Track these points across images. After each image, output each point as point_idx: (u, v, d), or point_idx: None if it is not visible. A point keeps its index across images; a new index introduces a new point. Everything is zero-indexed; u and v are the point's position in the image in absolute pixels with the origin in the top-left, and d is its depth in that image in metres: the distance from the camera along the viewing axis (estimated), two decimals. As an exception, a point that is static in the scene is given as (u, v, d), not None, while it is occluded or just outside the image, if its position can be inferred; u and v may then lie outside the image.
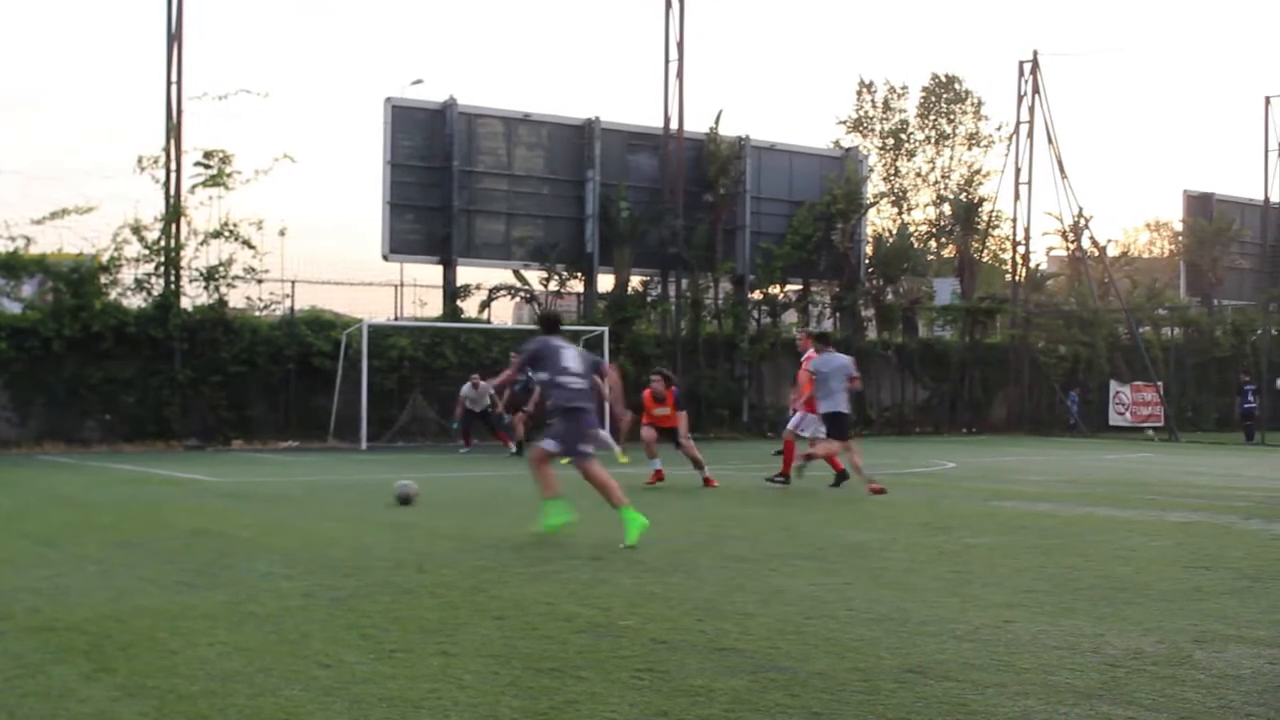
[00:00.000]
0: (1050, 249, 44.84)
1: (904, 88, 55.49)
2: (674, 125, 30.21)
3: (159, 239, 24.47)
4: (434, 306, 30.50)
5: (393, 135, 27.32)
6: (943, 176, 54.97)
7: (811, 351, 15.24)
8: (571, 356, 9.55)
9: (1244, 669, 5.28)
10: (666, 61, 30.30)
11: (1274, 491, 15.22)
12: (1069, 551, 8.98)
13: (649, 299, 30.55)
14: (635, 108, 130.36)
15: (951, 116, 55.50)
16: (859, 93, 55.40)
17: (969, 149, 55.58)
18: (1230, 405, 35.66)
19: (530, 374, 9.59)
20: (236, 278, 25.11)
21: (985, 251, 42.89)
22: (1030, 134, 35.28)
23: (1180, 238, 43.65)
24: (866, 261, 33.77)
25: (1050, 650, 5.58)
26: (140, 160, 24.71)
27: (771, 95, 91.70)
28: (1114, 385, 35.45)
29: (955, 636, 5.87)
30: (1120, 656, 5.47)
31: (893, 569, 8.09)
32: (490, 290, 29.13)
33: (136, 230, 24.29)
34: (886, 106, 55.30)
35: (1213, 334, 38.72)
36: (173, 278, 24.55)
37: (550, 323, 10.10)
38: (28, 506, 12.37)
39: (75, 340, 23.46)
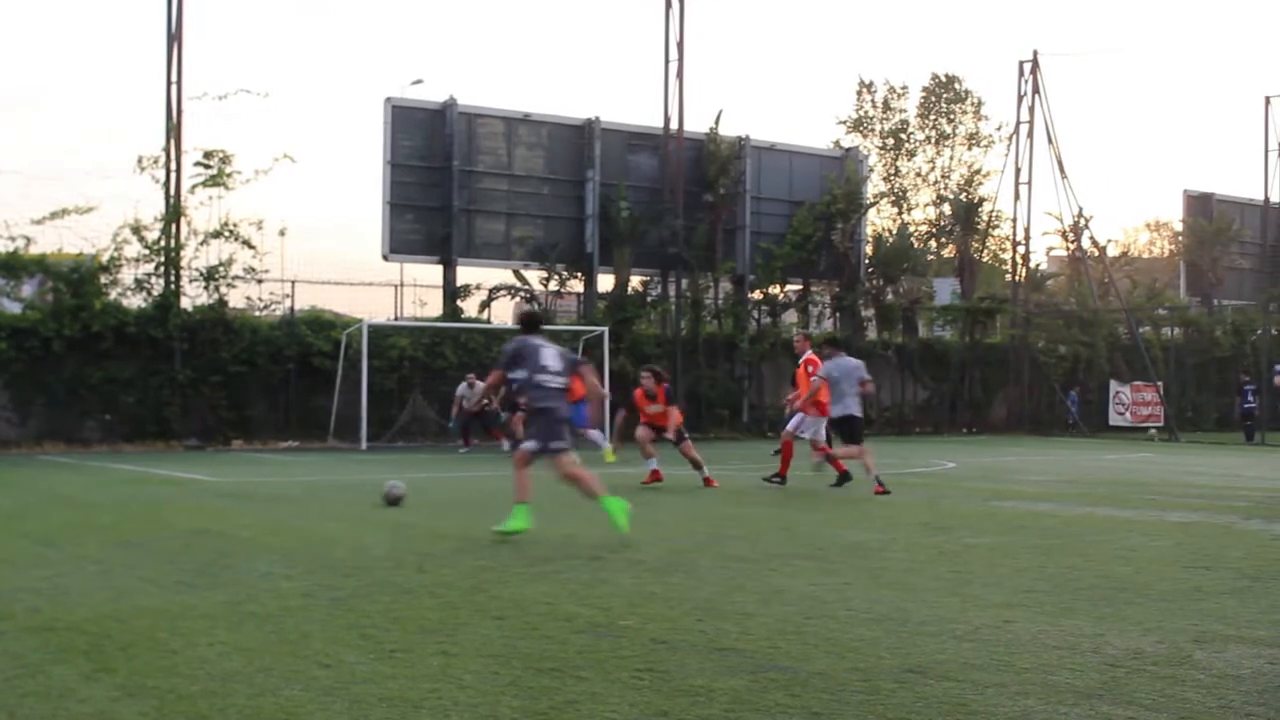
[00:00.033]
0: (1050, 249, 44.92)
1: (904, 88, 55.57)
2: (674, 125, 30.22)
3: (159, 239, 24.48)
4: (434, 306, 30.54)
5: (393, 135, 27.32)
6: (943, 176, 55.02)
7: (810, 354, 15.27)
8: (550, 355, 9.62)
9: (1244, 669, 5.28)
10: (666, 61, 30.32)
11: (1274, 491, 15.21)
12: (1069, 551, 8.98)
13: (649, 299, 30.56)
14: (635, 108, 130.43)
15: (951, 116, 55.52)
16: (859, 93, 55.49)
17: (969, 149, 55.66)
18: (1230, 405, 35.66)
19: (508, 373, 9.63)
20: (236, 278, 25.13)
21: (985, 251, 42.90)
22: (1030, 134, 35.32)
23: (1180, 238, 43.65)
24: (866, 261, 33.78)
25: (1050, 650, 5.58)
26: (140, 160, 24.76)
27: (771, 95, 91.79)
28: (1114, 385, 35.46)
29: (955, 636, 5.87)
30: (1120, 656, 5.47)
31: (893, 569, 8.09)
32: (490, 290, 29.14)
33: (136, 230, 24.30)
34: (886, 106, 55.33)
35: (1213, 334, 38.73)
36: (173, 278, 24.56)
37: (529, 322, 10.15)
38: (28, 506, 12.36)
39: (75, 340, 23.46)
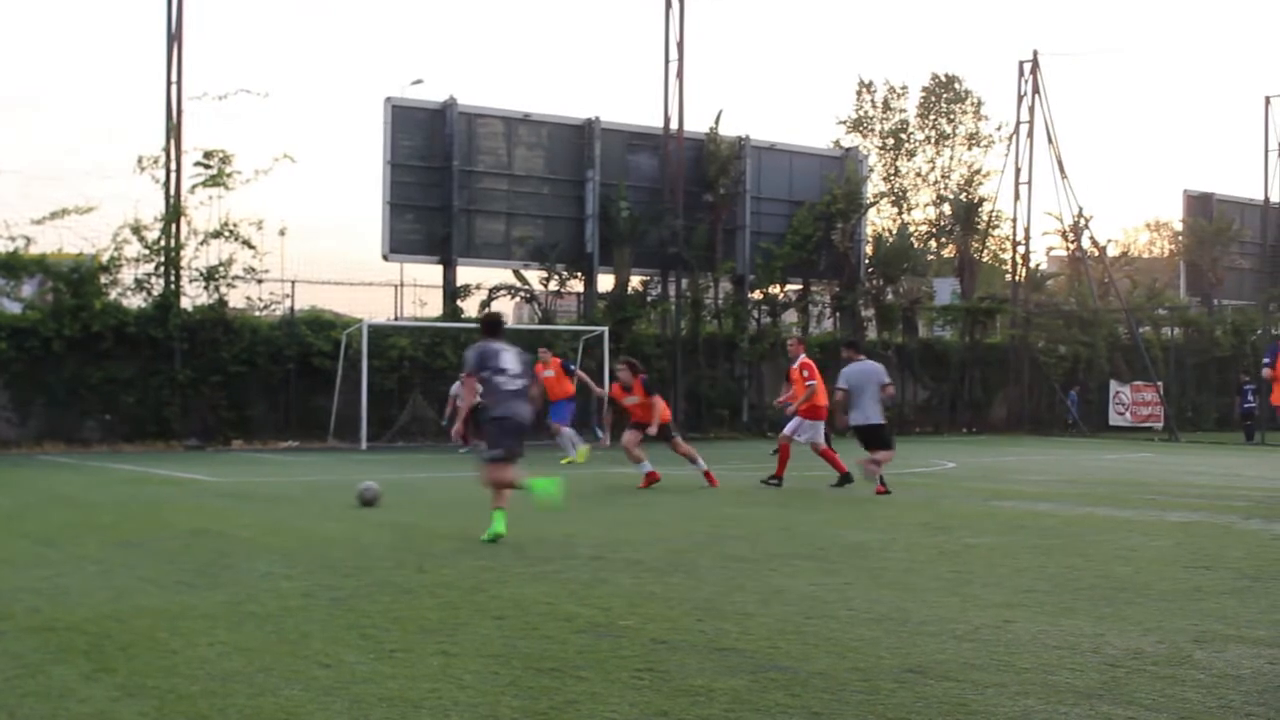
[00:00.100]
0: (1050, 249, 44.87)
1: (904, 88, 55.51)
2: (674, 125, 30.20)
3: (159, 239, 24.47)
4: (434, 306, 30.51)
5: (393, 135, 27.30)
6: (943, 176, 54.98)
7: (804, 358, 15.27)
8: (510, 359, 9.78)
9: (1244, 669, 5.28)
10: (666, 61, 30.30)
11: (1274, 491, 15.21)
12: (1069, 551, 8.98)
13: (649, 299, 30.54)
14: (635, 108, 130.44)
15: (951, 116, 55.48)
16: (859, 93, 55.40)
17: (969, 149, 55.60)
18: (1230, 405, 35.64)
19: (480, 374, 9.79)
20: (236, 278, 25.10)
21: (985, 251, 42.87)
22: (1030, 134, 35.28)
23: (1180, 238, 43.63)
24: (866, 261, 33.75)
25: (1050, 650, 5.58)
26: (140, 160, 24.73)
27: (771, 95, 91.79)
28: (1114, 385, 35.45)
29: (955, 636, 5.87)
30: (1120, 656, 5.47)
31: (893, 569, 8.09)
32: (490, 290, 29.10)
33: (136, 230, 24.29)
34: (886, 106, 55.29)
35: (1213, 334, 38.71)
36: (173, 278, 24.54)
37: (490, 326, 10.24)
38: (28, 506, 12.37)
39: (75, 340, 23.45)
